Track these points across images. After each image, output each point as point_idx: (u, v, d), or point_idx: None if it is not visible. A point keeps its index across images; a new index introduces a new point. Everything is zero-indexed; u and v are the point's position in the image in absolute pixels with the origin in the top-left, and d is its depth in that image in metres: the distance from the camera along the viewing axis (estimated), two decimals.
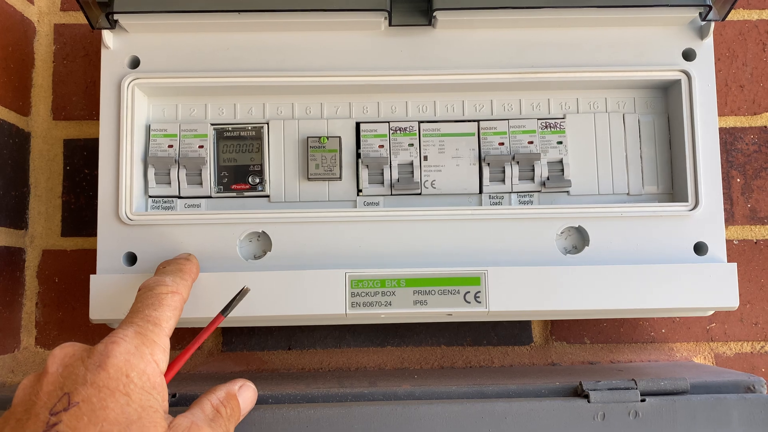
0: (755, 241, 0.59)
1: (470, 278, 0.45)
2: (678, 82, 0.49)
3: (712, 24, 0.48)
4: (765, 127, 0.60)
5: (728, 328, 0.58)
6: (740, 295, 0.58)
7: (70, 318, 0.57)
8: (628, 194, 0.50)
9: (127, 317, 0.38)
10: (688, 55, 0.49)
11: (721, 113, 0.60)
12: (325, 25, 0.48)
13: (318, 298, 0.45)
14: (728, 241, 0.59)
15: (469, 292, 0.45)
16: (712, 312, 0.50)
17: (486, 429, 0.43)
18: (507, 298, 0.45)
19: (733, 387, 0.45)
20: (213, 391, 0.39)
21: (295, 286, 0.45)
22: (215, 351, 0.58)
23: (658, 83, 0.50)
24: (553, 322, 0.58)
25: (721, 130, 0.60)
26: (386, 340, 0.58)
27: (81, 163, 0.59)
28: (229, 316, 0.42)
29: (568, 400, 0.43)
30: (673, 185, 0.50)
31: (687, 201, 0.48)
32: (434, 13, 0.47)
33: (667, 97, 0.51)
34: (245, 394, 0.40)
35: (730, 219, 0.59)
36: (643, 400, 0.43)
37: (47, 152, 0.59)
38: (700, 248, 0.47)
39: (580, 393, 0.44)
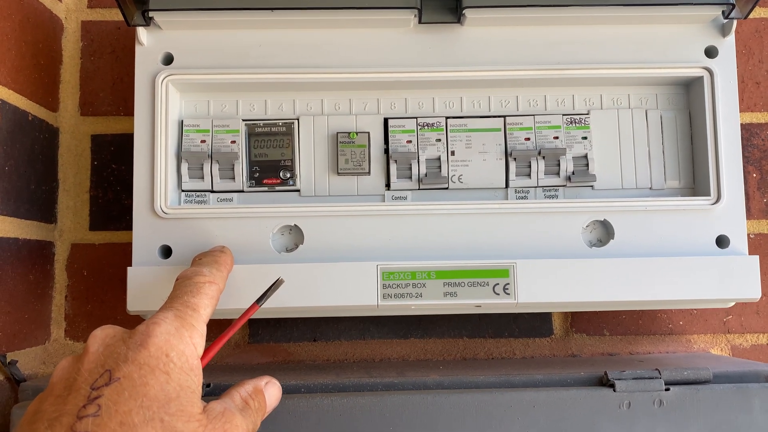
0: None
1: (499, 270, 0.46)
2: (700, 78, 0.50)
3: (734, 22, 0.49)
4: None
5: (745, 321, 0.60)
6: None
7: (99, 310, 0.58)
8: (650, 188, 0.51)
9: (166, 303, 0.39)
10: (710, 52, 0.50)
11: None
12: (355, 22, 0.49)
13: (350, 290, 0.46)
14: None
15: (498, 284, 0.46)
16: (733, 303, 0.51)
17: (515, 417, 0.44)
18: (535, 289, 0.46)
19: (754, 376, 0.46)
20: (241, 384, 0.40)
21: (328, 278, 0.46)
22: (242, 343, 0.59)
23: (680, 80, 0.51)
24: (573, 314, 0.60)
25: None
26: (409, 332, 0.59)
27: (108, 158, 0.60)
28: (264, 306, 0.43)
29: (594, 390, 0.44)
30: (695, 180, 0.51)
31: (709, 195, 0.49)
32: (463, 11, 0.48)
33: (688, 94, 0.52)
34: (271, 390, 0.41)
35: (746, 213, 0.60)
36: (667, 389, 0.44)
37: (75, 147, 0.60)
38: (722, 241, 0.49)
39: (605, 382, 0.45)
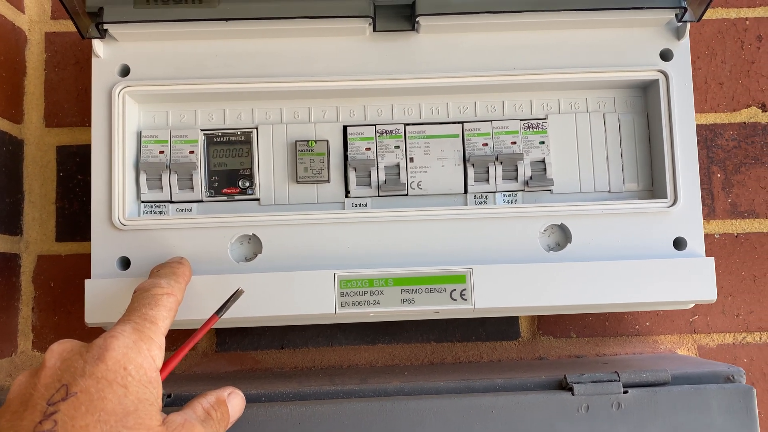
0: (736, 234, 0.60)
1: (456, 276, 0.47)
2: (656, 81, 0.50)
3: (688, 25, 0.49)
4: (744, 123, 0.61)
5: (710, 320, 0.60)
6: (722, 287, 0.59)
7: (66, 322, 0.58)
8: (609, 192, 0.51)
9: (124, 316, 0.39)
10: (666, 55, 0.50)
11: (701, 110, 0.61)
12: (311, 31, 0.49)
13: (308, 299, 0.46)
14: (710, 235, 0.60)
15: (455, 290, 0.47)
16: (693, 305, 0.51)
17: (474, 422, 0.44)
18: (492, 295, 0.47)
19: (714, 377, 0.46)
20: (203, 395, 0.40)
21: (285, 287, 0.46)
22: (209, 351, 0.59)
23: (636, 83, 0.51)
24: (539, 317, 0.60)
25: (701, 126, 0.61)
26: (377, 338, 0.59)
27: (74, 169, 0.60)
28: (223, 317, 0.43)
29: (553, 393, 0.45)
30: (653, 182, 0.51)
31: (666, 198, 0.49)
32: (417, 19, 0.48)
33: (646, 97, 0.52)
34: (234, 401, 0.41)
35: (711, 213, 0.60)
36: (625, 392, 0.44)
37: (40, 159, 0.60)
38: (679, 243, 0.49)
39: (564, 386, 0.45)
